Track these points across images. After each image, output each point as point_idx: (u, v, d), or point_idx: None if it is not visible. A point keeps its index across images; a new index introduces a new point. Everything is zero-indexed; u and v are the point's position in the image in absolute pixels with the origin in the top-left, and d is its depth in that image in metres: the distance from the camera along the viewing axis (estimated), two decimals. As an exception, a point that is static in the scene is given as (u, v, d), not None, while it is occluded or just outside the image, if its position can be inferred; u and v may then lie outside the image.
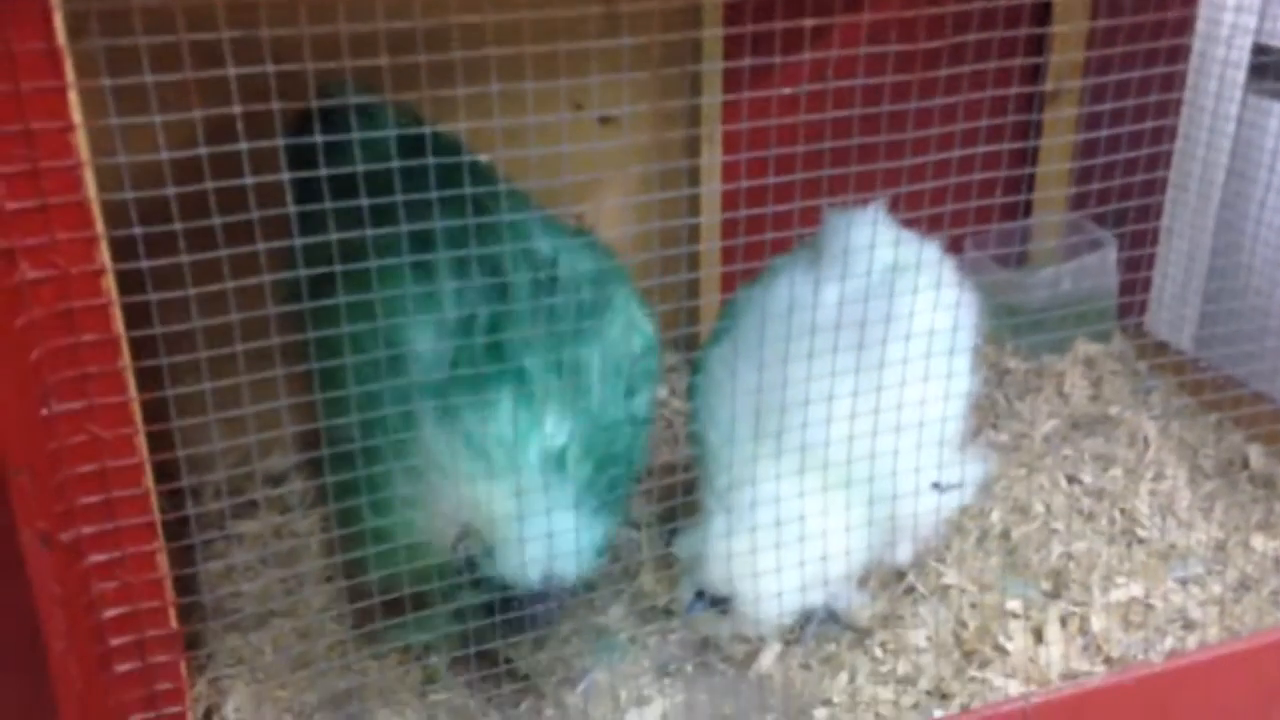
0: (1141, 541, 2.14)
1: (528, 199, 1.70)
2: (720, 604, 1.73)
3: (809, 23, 1.29)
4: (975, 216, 1.74)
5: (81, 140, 1.17)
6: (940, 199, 1.52)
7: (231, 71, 1.15)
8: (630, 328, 1.69)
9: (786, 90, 1.46)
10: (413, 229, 1.33)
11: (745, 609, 1.72)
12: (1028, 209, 2.83)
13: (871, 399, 1.66)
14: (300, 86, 1.33)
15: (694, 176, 2.32)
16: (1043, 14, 2.58)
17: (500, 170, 1.54)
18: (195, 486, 2.18)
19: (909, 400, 1.69)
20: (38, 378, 1.21)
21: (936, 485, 1.76)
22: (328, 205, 1.25)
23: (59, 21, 1.12)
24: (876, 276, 1.77)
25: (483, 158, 1.43)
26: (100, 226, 1.20)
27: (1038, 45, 2.60)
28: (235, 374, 1.30)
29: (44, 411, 1.23)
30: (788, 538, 1.66)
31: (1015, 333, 2.74)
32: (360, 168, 1.31)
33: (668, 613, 1.99)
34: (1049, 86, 2.64)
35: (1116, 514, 2.22)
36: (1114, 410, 2.54)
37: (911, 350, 1.69)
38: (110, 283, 1.22)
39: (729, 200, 2.35)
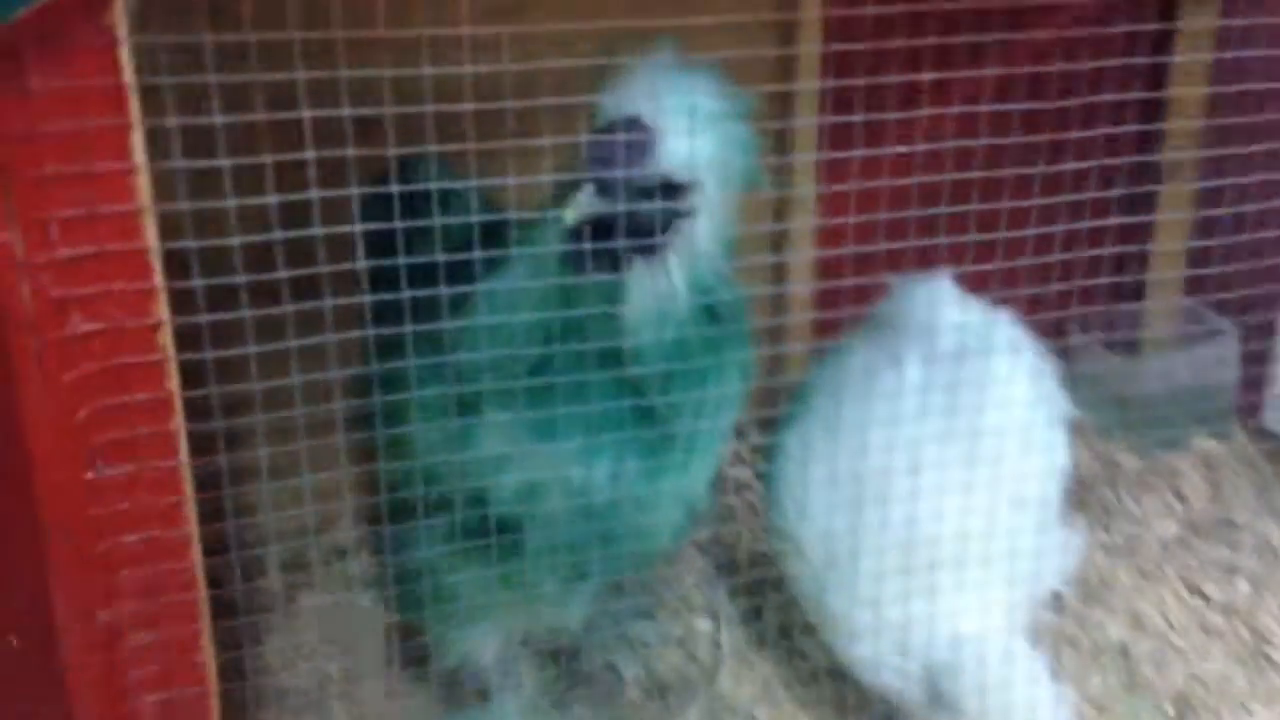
0: (1274, 663, 1.95)
1: None
2: None
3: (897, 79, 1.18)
4: (1081, 297, 1.60)
5: (144, 184, 1.08)
6: (1038, 277, 1.39)
7: (306, 114, 1.07)
8: None
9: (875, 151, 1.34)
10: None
11: None
12: (1140, 291, 2.66)
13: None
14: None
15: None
16: (1158, 77, 2.42)
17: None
18: (251, 559, 2.11)
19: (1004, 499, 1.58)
20: (84, 438, 1.12)
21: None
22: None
23: (125, 55, 1.04)
24: (960, 357, 1.65)
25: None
26: (159, 278, 1.11)
27: (1153, 111, 2.44)
28: (296, 439, 1.22)
29: (89, 475, 1.13)
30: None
31: (1126, 425, 2.56)
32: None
33: (751, 718, 1.83)
34: (1164, 156, 2.48)
35: (1245, 632, 2.02)
36: (1237, 515, 2.35)
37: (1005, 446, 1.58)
38: (167, 338, 1.13)
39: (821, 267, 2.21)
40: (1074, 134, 1.35)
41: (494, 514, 1.47)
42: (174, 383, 1.15)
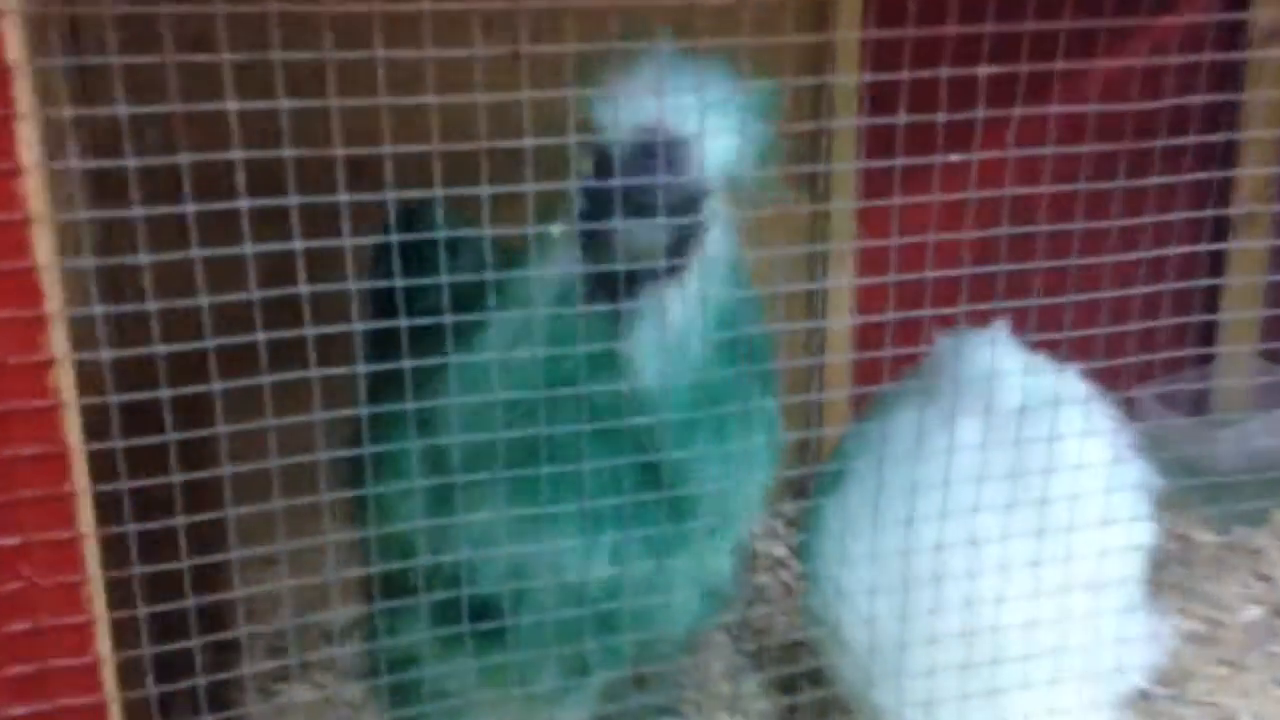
0: (1389, 772, 1.69)
1: None
2: None
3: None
4: (1142, 349, 1.38)
5: (35, 188, 0.89)
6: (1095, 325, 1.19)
7: (238, 109, 0.87)
8: None
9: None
10: None
11: None
12: (1209, 344, 2.42)
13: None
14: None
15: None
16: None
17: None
18: (229, 642, 1.91)
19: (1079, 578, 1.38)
20: (-44, 502, 0.92)
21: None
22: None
23: (10, 29, 0.85)
24: (1024, 411, 1.44)
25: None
26: (56, 303, 0.91)
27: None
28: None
29: (-37, 547, 0.92)
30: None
31: (1200, 497, 2.32)
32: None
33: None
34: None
35: (1352, 733, 1.78)
36: (1330, 599, 2.11)
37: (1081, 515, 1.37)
38: (64, 378, 0.92)
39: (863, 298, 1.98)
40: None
41: (475, 595, 1.25)
42: (74, 434, 0.94)
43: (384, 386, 1.20)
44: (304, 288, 0.94)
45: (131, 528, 0.94)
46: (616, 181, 1.06)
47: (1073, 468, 1.35)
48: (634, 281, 1.14)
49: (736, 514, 1.32)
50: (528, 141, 0.96)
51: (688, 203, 1.11)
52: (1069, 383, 1.51)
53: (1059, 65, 1.02)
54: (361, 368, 1.04)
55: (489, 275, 1.14)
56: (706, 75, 1.06)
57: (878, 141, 1.10)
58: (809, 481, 1.55)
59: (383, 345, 1.13)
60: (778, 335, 1.18)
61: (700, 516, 1.26)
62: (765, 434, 1.24)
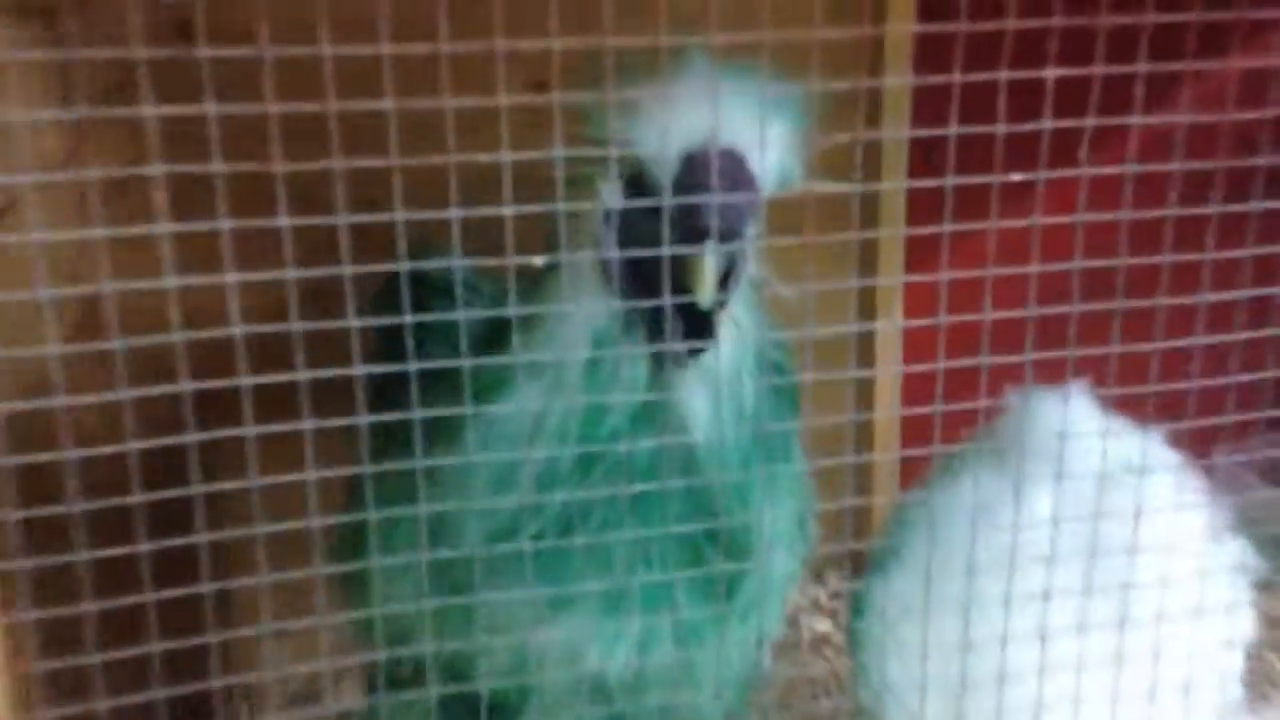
0: None
1: None
2: None
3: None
4: (1240, 407, 1.21)
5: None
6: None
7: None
8: None
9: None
10: None
11: None
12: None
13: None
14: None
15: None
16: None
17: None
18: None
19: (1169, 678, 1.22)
20: None
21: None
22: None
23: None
24: (1104, 483, 1.26)
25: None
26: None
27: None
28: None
29: None
30: None
31: (1293, 575, 2.12)
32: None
33: None
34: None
35: None
36: None
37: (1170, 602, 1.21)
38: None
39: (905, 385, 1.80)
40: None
41: (481, 689, 1.10)
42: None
43: (385, 449, 1.05)
44: (238, 329, 0.80)
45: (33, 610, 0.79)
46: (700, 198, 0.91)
47: (1161, 547, 1.17)
48: (689, 319, 0.98)
49: (775, 591, 1.17)
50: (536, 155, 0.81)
51: (739, 227, 0.96)
52: (1155, 448, 1.34)
53: (1141, 67, 0.86)
54: (297, 422, 0.89)
55: (510, 312, 0.97)
56: (742, 78, 0.91)
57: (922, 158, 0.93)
58: (853, 554, 1.39)
59: (384, 401, 0.99)
60: (815, 386, 1.01)
61: (739, 595, 1.10)
62: (795, 495, 1.09)
